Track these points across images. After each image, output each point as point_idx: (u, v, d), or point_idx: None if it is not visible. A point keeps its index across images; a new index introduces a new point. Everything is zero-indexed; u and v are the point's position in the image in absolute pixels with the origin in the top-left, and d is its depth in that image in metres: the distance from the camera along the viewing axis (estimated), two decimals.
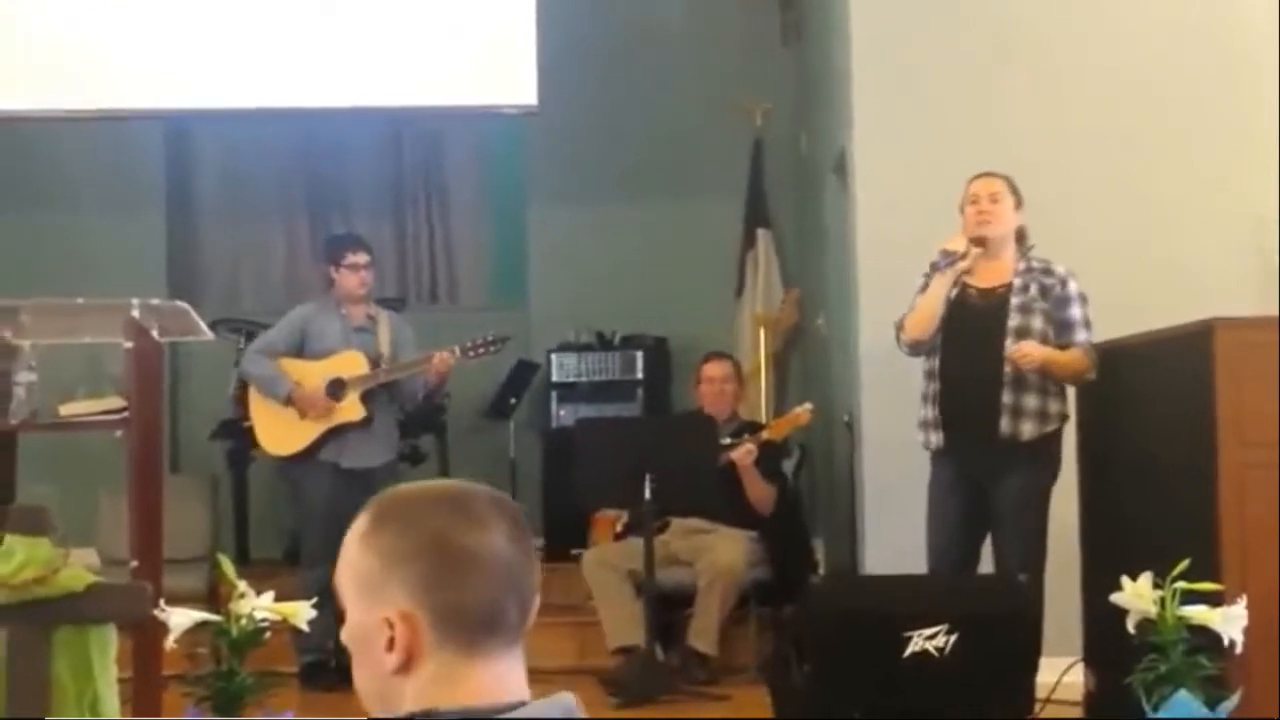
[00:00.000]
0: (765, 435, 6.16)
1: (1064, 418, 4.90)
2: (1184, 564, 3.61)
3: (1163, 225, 5.76)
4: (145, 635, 3.76)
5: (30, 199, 8.14)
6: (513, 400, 7.89)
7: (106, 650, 3.32)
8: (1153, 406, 4.53)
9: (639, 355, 7.84)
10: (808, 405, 6.26)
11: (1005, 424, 4.81)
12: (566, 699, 1.53)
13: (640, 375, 7.81)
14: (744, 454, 6.06)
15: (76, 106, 7.48)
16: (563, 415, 7.74)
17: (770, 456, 6.21)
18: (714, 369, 6.49)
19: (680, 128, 8.14)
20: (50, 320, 4.28)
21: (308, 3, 7.53)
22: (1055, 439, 4.90)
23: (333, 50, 7.48)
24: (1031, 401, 4.83)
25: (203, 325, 4.53)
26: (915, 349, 5.01)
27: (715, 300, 8.06)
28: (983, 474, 4.89)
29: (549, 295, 8.28)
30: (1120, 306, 5.11)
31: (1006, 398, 4.81)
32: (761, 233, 8.06)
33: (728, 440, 6.18)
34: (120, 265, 7.76)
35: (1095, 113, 5.81)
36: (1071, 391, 4.94)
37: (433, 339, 6.17)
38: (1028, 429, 4.82)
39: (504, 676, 1.54)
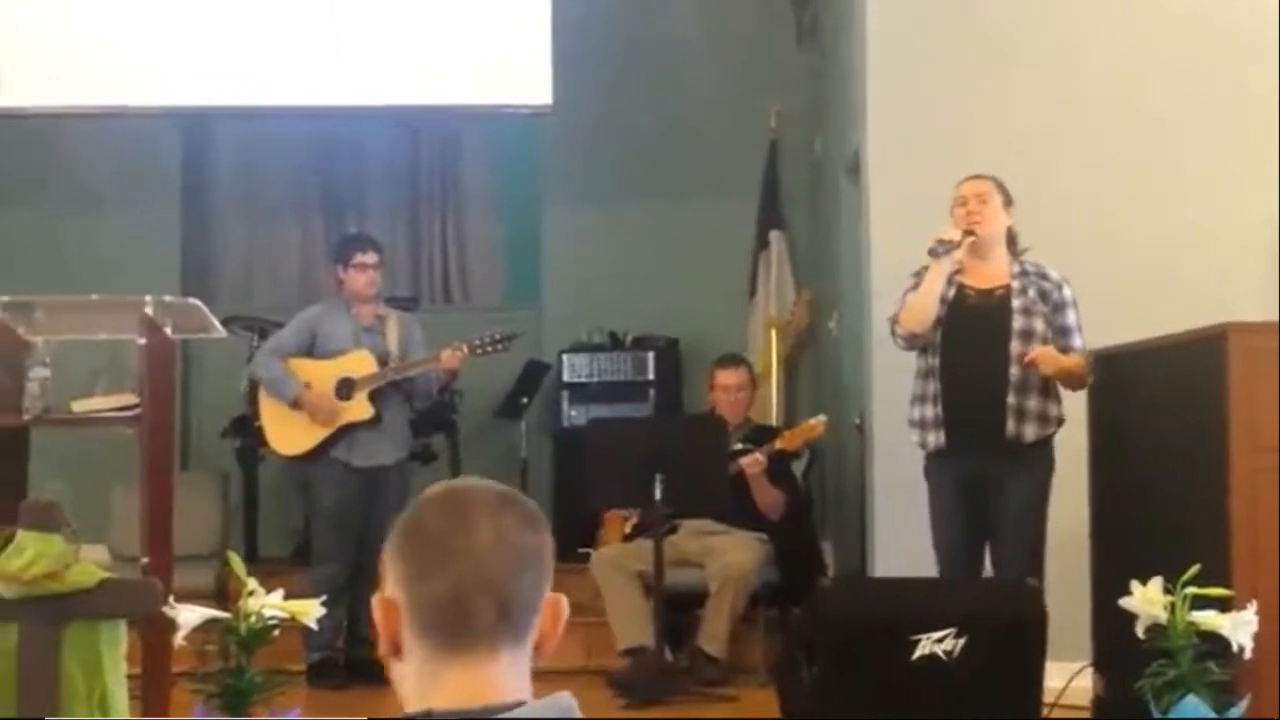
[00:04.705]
0: (778, 445, 6.13)
1: (1061, 421, 4.92)
2: (1194, 569, 3.60)
3: (1173, 228, 5.75)
4: (155, 632, 3.77)
5: (46, 195, 8.16)
6: (524, 400, 7.89)
7: (116, 646, 3.33)
8: (1164, 411, 4.53)
9: (650, 356, 7.84)
10: (822, 417, 6.22)
11: (1011, 426, 4.82)
12: (565, 699, 1.52)
13: (652, 376, 7.80)
14: (752, 463, 6.05)
15: (93, 103, 7.51)
16: (574, 415, 7.73)
17: (780, 461, 6.19)
18: (728, 377, 6.45)
19: (694, 128, 8.13)
20: (64, 316, 4.31)
21: (324, 2, 7.54)
22: (1050, 442, 4.92)
23: (348, 50, 7.49)
24: (1034, 404, 4.84)
25: (215, 322, 4.54)
26: (913, 342, 5.01)
27: (728, 301, 8.05)
28: (985, 475, 4.89)
29: (562, 295, 8.28)
30: (1128, 309, 5.11)
31: (1012, 399, 4.83)
32: (775, 234, 8.05)
33: (739, 446, 6.17)
34: (135, 262, 7.76)
35: (1107, 115, 5.81)
36: (1074, 400, 4.95)
37: (445, 339, 6.16)
38: (1030, 431, 4.84)
39: (489, 678, 1.52)
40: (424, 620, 1.53)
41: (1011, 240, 5.01)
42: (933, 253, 4.91)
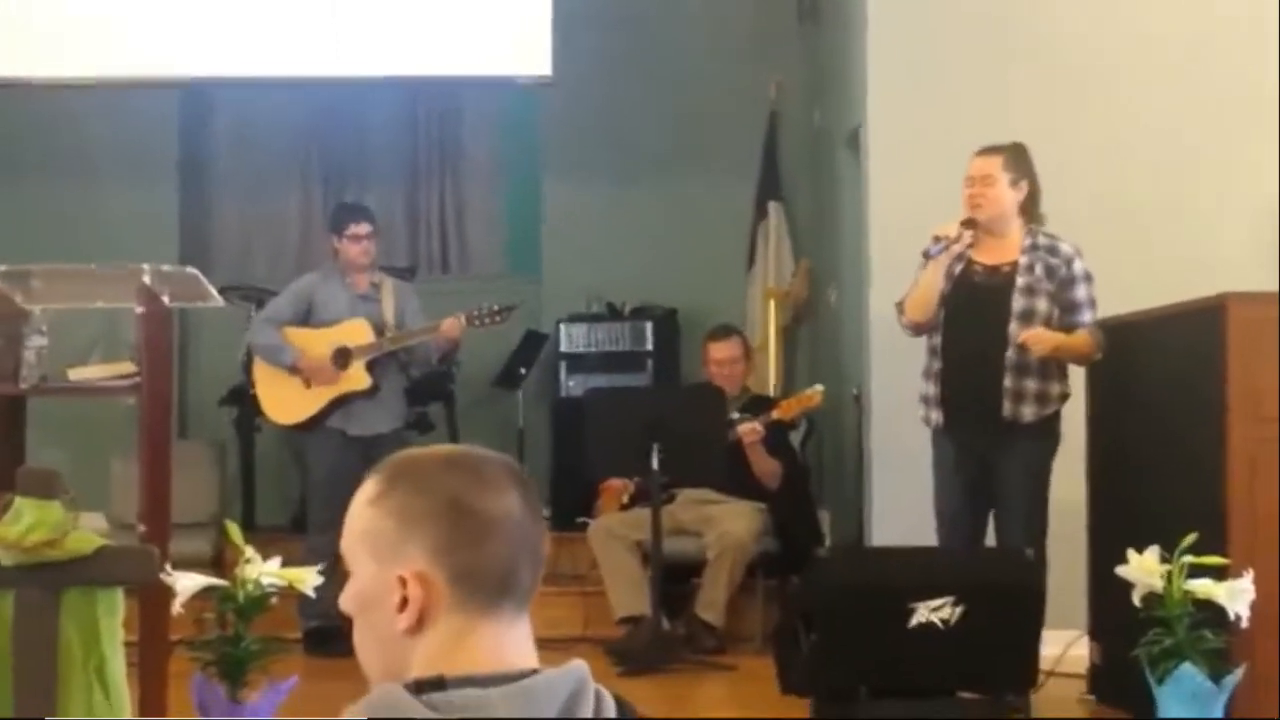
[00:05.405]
0: (775, 415, 6.13)
1: (1064, 397, 4.89)
2: (1191, 538, 3.61)
3: (1172, 201, 5.75)
4: (152, 599, 3.77)
5: (45, 166, 8.14)
6: (522, 370, 7.89)
7: (114, 613, 3.33)
8: (1164, 381, 4.53)
9: (649, 326, 7.82)
10: (819, 387, 6.22)
11: (1007, 408, 4.80)
12: (580, 668, 1.52)
13: (650, 346, 7.79)
14: (749, 432, 6.06)
15: (92, 74, 7.48)
16: (572, 385, 7.73)
17: (778, 431, 6.19)
18: (720, 350, 6.44)
19: (694, 100, 8.11)
20: (62, 285, 4.29)
21: None
22: (1055, 417, 4.90)
23: (348, 20, 7.46)
24: (1032, 385, 4.82)
25: (213, 291, 4.52)
26: (916, 330, 5.01)
27: (726, 272, 8.05)
28: (984, 453, 4.89)
29: (561, 266, 8.27)
30: (1129, 284, 5.10)
31: (1008, 381, 4.80)
32: (773, 205, 8.03)
33: (736, 416, 6.17)
34: (134, 232, 7.75)
35: (1107, 90, 5.80)
36: (1074, 370, 4.94)
37: (444, 308, 6.17)
38: (1028, 412, 4.82)
39: (513, 640, 1.53)
40: (470, 587, 1.51)
41: (1028, 209, 4.93)
42: (926, 254, 4.87)
